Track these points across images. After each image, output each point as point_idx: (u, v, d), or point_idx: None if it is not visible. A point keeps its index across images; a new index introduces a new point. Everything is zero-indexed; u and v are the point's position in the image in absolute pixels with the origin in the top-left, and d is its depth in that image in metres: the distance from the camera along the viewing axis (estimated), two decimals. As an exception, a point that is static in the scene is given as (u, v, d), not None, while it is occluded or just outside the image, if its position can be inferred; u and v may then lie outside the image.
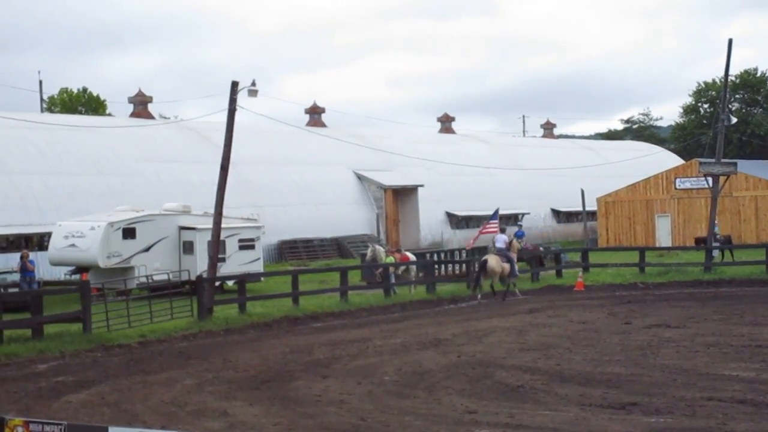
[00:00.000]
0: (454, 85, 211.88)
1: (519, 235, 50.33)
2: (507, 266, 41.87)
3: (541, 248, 55.16)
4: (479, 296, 41.30)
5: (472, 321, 33.05)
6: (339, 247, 67.33)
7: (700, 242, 58.48)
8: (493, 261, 41.73)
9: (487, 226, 49.03)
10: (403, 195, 75.51)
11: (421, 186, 75.38)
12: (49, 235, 44.86)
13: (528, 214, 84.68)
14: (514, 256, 43.25)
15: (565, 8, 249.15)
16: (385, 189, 74.57)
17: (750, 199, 73.35)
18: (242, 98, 37.11)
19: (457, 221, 79.49)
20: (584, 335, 28.57)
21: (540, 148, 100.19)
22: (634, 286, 44.88)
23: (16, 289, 37.09)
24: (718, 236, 58.00)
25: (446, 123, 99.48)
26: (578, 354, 24.70)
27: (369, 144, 75.94)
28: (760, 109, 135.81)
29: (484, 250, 47.60)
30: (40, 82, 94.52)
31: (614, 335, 28.33)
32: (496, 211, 51.78)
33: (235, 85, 36.64)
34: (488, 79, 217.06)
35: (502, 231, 47.17)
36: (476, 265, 43.83)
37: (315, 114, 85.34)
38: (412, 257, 46.55)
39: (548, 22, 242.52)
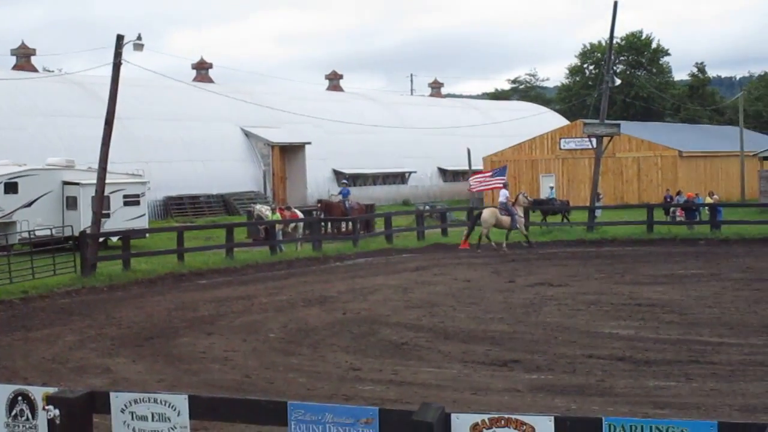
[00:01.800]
0: (343, 43, 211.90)
1: (344, 194, 51.49)
2: (506, 218, 43.92)
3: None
4: (478, 250, 43.32)
5: (358, 279, 33.10)
6: (225, 204, 67.22)
7: (538, 204, 59.64)
8: (486, 213, 45.06)
9: (492, 181, 49.83)
10: (290, 152, 75.54)
11: (309, 143, 75.53)
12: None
13: (415, 172, 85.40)
14: (518, 209, 45.04)
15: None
16: (272, 146, 74.61)
17: (633, 160, 74.57)
18: (128, 52, 36.91)
19: (345, 178, 79.57)
20: (468, 293, 28.68)
21: (427, 107, 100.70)
22: (518, 244, 45.37)
23: None
24: (554, 200, 59.31)
25: (334, 81, 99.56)
26: (462, 312, 24.82)
27: (257, 101, 75.63)
28: (644, 71, 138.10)
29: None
30: None
31: (498, 293, 28.49)
32: (504, 168, 53.09)
33: (120, 39, 36.23)
34: (377, 38, 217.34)
35: (505, 186, 48.26)
36: (477, 216, 46.47)
37: (202, 69, 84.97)
38: (300, 214, 46.83)
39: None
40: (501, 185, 47.71)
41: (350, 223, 48.64)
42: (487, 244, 43.27)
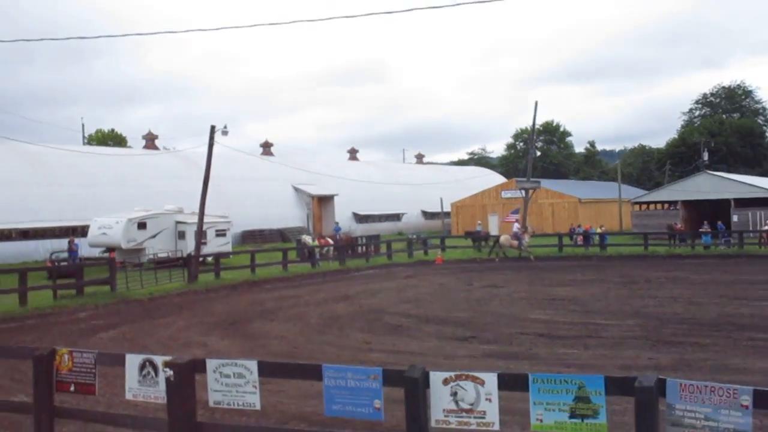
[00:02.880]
0: (359, 128, 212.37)
1: (337, 230, 51.50)
2: (515, 242, 45.29)
3: (360, 238, 55.10)
4: (497, 259, 44.95)
5: (369, 284, 33.08)
6: (282, 235, 66.92)
7: (469, 234, 60.01)
8: (503, 238, 46.75)
9: (509, 219, 51.37)
10: (324, 201, 75.48)
11: (336, 195, 75.43)
12: (87, 227, 44.24)
13: (406, 213, 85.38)
14: (525, 237, 46.02)
15: (431, 80, 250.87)
16: (312, 197, 74.58)
17: (548, 204, 74.53)
18: (218, 136, 37.01)
19: (359, 218, 79.55)
20: (441, 292, 28.69)
21: (413, 170, 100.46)
22: (474, 260, 45.33)
23: (66, 263, 36.60)
24: (481, 231, 59.15)
25: (353, 154, 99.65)
26: (437, 304, 24.82)
27: (302, 167, 75.87)
28: (555, 147, 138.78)
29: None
30: (83, 125, 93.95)
31: (460, 292, 28.52)
32: (517, 210, 54.40)
33: (213, 128, 36.42)
34: (380, 125, 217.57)
35: (517, 221, 50.55)
36: (496, 240, 48.21)
37: (266, 147, 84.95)
38: (330, 242, 46.88)
39: (421, 88, 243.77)
40: (514, 220, 49.28)
41: (364, 247, 48.71)
42: (504, 258, 44.85)
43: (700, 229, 53.66)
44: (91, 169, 58.36)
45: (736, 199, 61.70)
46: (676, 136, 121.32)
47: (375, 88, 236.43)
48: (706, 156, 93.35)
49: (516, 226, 47.68)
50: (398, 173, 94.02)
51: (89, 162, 59.35)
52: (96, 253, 42.22)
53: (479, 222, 69.76)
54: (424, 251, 50.96)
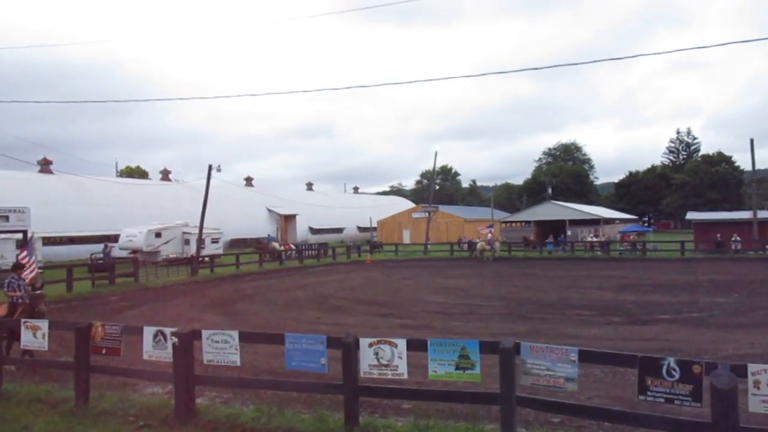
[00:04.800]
0: (314, 168, 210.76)
1: (269, 239, 49.81)
2: (488, 247, 43.39)
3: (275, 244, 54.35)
4: (483, 260, 42.25)
5: (320, 276, 32.81)
6: (259, 242, 65.98)
7: (467, 243, 59.46)
8: (479, 245, 44.17)
9: (484, 230, 49.53)
10: (289, 218, 74.61)
11: (298, 214, 74.78)
12: (118, 235, 43.02)
13: (346, 227, 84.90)
14: (495, 243, 44.79)
15: (365, 135, 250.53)
16: (281, 215, 73.76)
17: (444, 222, 75.11)
18: (214, 173, 36.58)
19: (314, 231, 78.68)
20: (370, 283, 28.56)
21: (352, 198, 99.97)
22: (394, 261, 45.31)
23: (101, 260, 35.47)
24: (376, 241, 59.28)
25: (309, 186, 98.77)
26: (366, 291, 24.76)
27: (274, 195, 75.22)
28: (448, 182, 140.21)
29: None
30: (116, 163, 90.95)
31: (383, 282, 28.45)
32: (491, 225, 53.39)
33: (210, 167, 36.03)
34: (329, 166, 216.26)
35: (491, 232, 48.26)
36: (473, 245, 46.12)
37: (249, 180, 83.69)
38: (293, 247, 46.36)
39: (358, 141, 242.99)
40: (489, 231, 47.90)
41: (316, 251, 48.28)
42: (479, 258, 42.80)
43: (546, 240, 54.86)
44: (122, 194, 57.29)
45: (570, 220, 63.41)
46: (530, 177, 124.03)
47: (326, 140, 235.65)
48: (550, 191, 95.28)
49: (489, 236, 46.45)
50: (341, 200, 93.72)
51: (120, 189, 58.36)
52: (124, 254, 41.02)
53: (374, 234, 69.69)
54: (358, 254, 50.87)
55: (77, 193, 53.51)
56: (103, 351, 8.31)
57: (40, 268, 23.22)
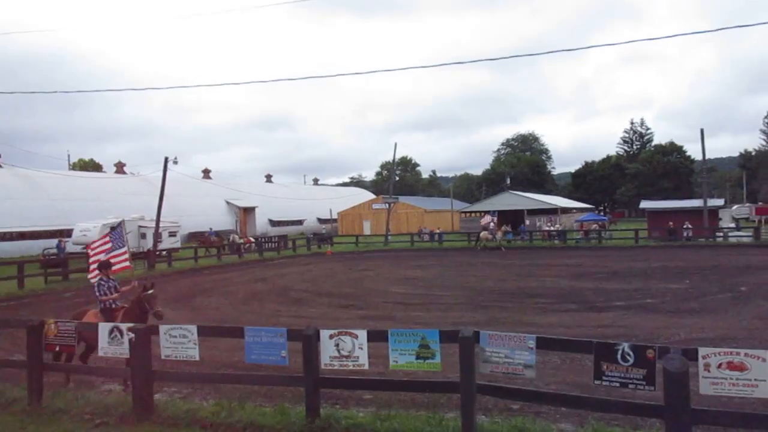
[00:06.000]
0: (273, 160, 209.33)
1: (211, 234, 48.54)
2: (490, 236, 42.19)
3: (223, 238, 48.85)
4: (479, 249, 41.37)
5: (280, 269, 32.50)
6: (218, 234, 65.08)
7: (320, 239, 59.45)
8: (483, 234, 42.64)
9: (487, 217, 46.44)
10: (248, 211, 73.91)
11: (257, 207, 74.12)
12: (71, 230, 41.94)
13: (306, 219, 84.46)
14: (497, 232, 43.38)
15: (324, 127, 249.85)
16: (240, 208, 72.99)
17: (404, 213, 75.51)
18: (171, 165, 36.01)
19: (273, 223, 78.12)
20: (331, 275, 28.38)
21: (313, 190, 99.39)
22: (355, 252, 45.30)
23: (54, 256, 34.54)
24: (327, 232, 59.33)
25: (269, 178, 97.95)
26: (327, 283, 24.61)
27: (233, 187, 74.27)
28: (408, 174, 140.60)
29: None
30: (69, 156, 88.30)
31: (344, 274, 28.27)
32: (495, 212, 50.68)
33: (166, 159, 35.52)
34: (289, 158, 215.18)
35: (493, 220, 44.92)
36: (478, 235, 43.91)
37: (206, 173, 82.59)
38: (252, 240, 45.92)
39: (317, 132, 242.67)
40: (491, 219, 45.48)
41: (276, 243, 47.89)
42: (483, 248, 41.46)
43: (506, 230, 55.40)
44: (74, 188, 55.92)
45: (528, 210, 64.31)
46: (489, 167, 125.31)
47: (286, 133, 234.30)
48: (508, 181, 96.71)
49: (492, 225, 44.68)
50: (301, 191, 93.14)
51: (73, 183, 56.95)
52: (78, 249, 40.00)
53: (334, 226, 69.44)
54: (318, 246, 50.62)
55: (27, 187, 51.97)
56: (57, 348, 8.12)
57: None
